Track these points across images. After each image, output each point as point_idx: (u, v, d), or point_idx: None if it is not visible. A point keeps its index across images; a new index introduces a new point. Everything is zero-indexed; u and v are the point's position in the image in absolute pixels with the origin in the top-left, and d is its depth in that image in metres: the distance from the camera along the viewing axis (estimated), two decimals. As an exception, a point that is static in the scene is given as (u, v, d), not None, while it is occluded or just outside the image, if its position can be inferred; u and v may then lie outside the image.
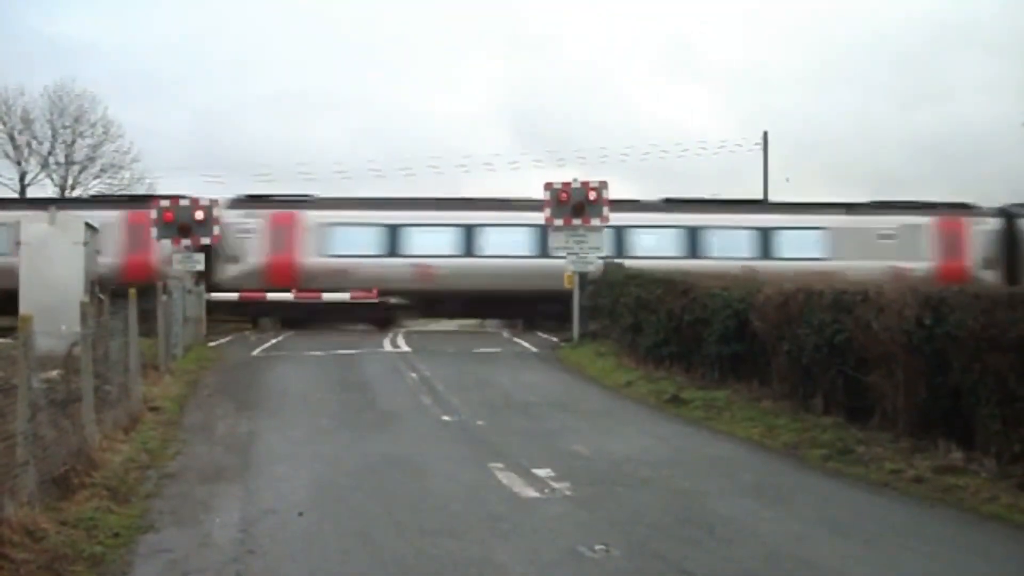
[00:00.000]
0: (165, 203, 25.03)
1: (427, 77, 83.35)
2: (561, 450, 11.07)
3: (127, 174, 48.05)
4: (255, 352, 22.59)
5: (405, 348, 23.17)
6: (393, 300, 28.98)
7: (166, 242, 25.01)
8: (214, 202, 25.47)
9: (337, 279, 28.39)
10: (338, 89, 79.72)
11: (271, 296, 28.50)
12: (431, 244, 28.83)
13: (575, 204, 23.59)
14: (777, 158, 46.16)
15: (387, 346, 23.69)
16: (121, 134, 48.11)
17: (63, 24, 71.40)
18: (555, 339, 25.01)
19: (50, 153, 47.77)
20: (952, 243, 30.18)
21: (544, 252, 26.68)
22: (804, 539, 7.49)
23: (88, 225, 19.79)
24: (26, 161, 47.46)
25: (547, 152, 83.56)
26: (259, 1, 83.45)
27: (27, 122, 47.06)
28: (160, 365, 17.04)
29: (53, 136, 47.60)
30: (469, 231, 28.84)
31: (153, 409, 13.33)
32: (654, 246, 28.60)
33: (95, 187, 47.45)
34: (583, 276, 24.02)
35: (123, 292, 14.09)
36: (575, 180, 23.92)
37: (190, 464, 10.32)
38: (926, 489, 9.04)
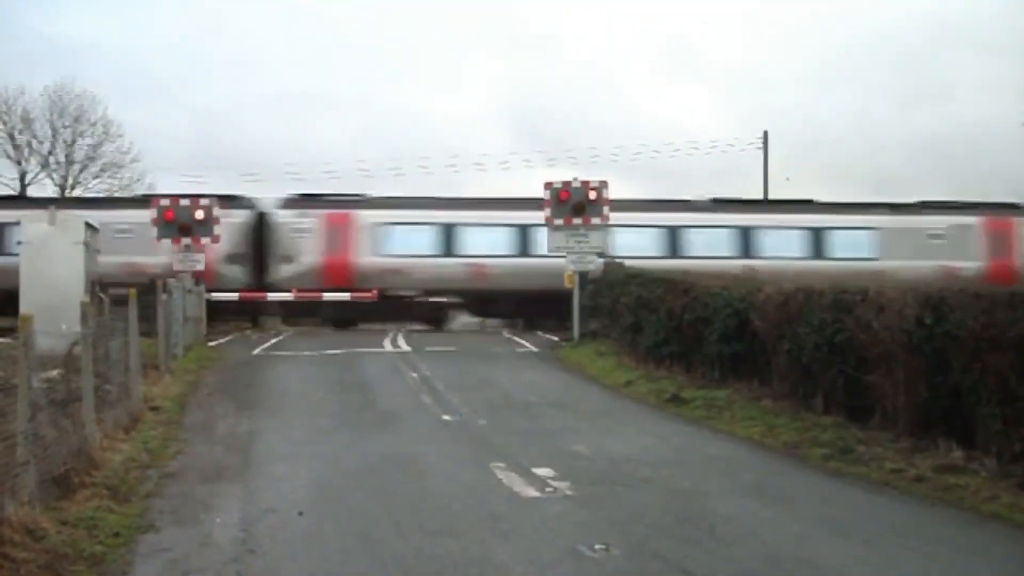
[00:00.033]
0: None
1: (427, 77, 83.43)
2: (561, 450, 11.07)
3: (127, 174, 48.21)
4: (255, 352, 22.60)
5: (405, 348, 23.18)
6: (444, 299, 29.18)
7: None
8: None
9: (392, 279, 28.42)
10: (338, 89, 79.79)
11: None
12: (485, 244, 28.77)
13: (575, 203, 23.62)
14: (777, 158, 46.21)
15: (387, 346, 23.70)
16: (121, 134, 48.14)
17: (63, 24, 71.48)
18: (555, 338, 25.04)
19: (50, 153, 47.78)
20: (1001, 242, 30.16)
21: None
22: (804, 539, 7.49)
23: (88, 225, 19.80)
24: (26, 161, 47.46)
25: (557, 152, 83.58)
26: (259, 1, 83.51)
27: (27, 122, 47.05)
28: (160, 364, 17.05)
29: (53, 136, 47.60)
30: (524, 231, 28.61)
31: (153, 409, 13.34)
32: (706, 246, 28.45)
33: (95, 187, 47.55)
34: (583, 275, 24.03)
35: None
36: (575, 179, 23.93)
37: (190, 464, 10.32)
38: (926, 488, 9.04)
